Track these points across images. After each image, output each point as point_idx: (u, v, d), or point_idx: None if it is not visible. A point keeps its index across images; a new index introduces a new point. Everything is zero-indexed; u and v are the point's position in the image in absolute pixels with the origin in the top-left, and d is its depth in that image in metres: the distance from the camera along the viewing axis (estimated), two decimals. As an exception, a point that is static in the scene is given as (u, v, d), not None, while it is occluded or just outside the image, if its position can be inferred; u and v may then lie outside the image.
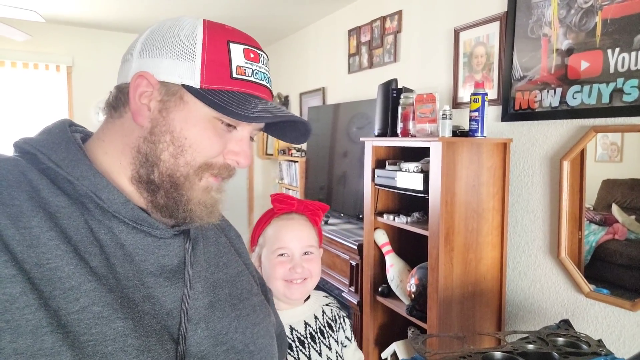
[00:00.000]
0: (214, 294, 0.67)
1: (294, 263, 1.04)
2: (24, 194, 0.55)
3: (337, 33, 3.49)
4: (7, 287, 0.49)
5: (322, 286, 2.82)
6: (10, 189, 0.54)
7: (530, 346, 1.15)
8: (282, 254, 1.05)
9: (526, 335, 1.22)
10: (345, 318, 1.17)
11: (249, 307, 0.72)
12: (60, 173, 0.58)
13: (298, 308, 1.12)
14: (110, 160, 0.62)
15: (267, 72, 0.66)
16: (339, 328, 1.14)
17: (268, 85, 0.65)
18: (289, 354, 1.04)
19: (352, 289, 2.51)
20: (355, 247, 2.44)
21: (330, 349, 1.09)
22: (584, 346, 1.16)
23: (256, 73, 0.63)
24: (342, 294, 2.58)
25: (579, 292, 1.75)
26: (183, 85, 0.60)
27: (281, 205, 1.08)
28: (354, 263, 2.49)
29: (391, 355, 2.21)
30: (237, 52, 0.61)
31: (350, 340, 1.15)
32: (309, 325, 1.10)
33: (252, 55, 0.62)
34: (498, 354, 1.11)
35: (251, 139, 0.68)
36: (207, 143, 0.61)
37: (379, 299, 2.31)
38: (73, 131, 0.65)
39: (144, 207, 0.63)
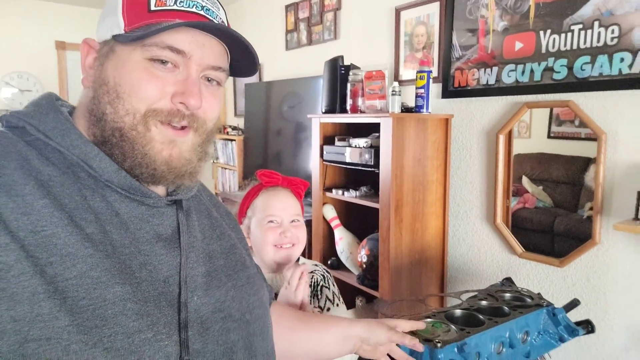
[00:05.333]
0: (210, 264, 0.68)
1: (284, 228, 1.14)
2: (13, 163, 0.54)
3: (274, 8, 3.43)
4: (1, 256, 0.49)
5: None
6: None
7: (484, 302, 1.27)
8: (272, 221, 1.14)
9: (475, 293, 1.34)
10: (324, 288, 1.21)
11: (244, 278, 0.73)
12: (50, 143, 0.58)
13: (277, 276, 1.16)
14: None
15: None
16: (313, 295, 1.19)
17: (199, 11, 0.61)
18: None
19: (300, 264, 2.55)
20: (303, 223, 2.48)
21: None
22: (528, 299, 1.31)
23: (180, 1, 0.60)
24: (290, 269, 2.62)
25: (512, 254, 1.94)
26: (113, 37, 0.60)
27: (269, 179, 1.19)
28: (301, 239, 2.53)
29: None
30: None
31: (333, 303, 1.20)
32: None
33: None
34: (458, 312, 1.21)
35: (209, 80, 0.64)
36: (142, 86, 0.58)
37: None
38: (60, 105, 0.64)
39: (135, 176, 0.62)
